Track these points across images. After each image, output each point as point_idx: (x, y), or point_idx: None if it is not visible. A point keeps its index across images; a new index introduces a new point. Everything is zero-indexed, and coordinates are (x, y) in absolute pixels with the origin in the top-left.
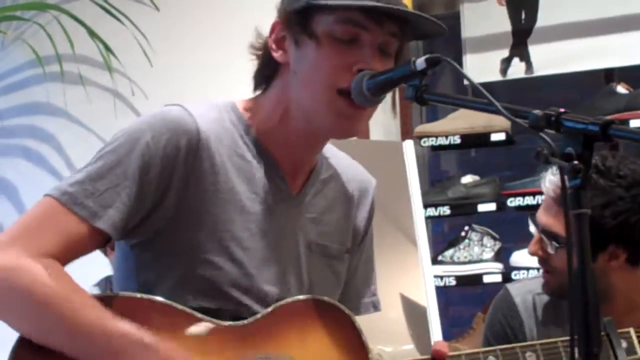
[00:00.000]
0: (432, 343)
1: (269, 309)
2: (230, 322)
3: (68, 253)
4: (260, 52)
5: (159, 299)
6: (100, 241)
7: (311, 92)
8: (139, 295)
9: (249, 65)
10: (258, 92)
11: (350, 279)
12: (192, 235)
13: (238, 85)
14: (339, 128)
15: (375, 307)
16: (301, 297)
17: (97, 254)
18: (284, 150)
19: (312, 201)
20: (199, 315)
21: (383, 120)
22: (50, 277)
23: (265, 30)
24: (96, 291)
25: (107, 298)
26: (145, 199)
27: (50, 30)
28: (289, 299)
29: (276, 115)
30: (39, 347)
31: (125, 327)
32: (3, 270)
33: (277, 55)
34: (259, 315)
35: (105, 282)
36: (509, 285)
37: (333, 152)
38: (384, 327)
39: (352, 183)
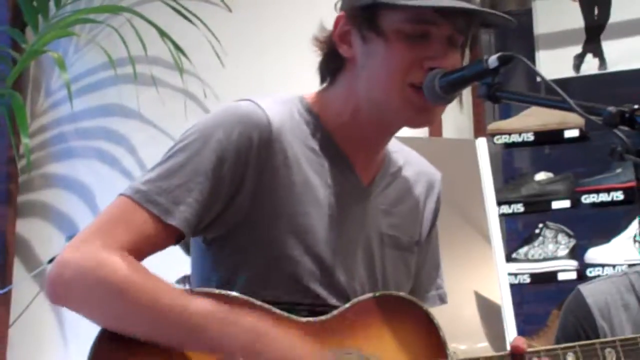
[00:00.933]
0: (507, 341)
1: (347, 305)
2: (309, 318)
3: (142, 249)
4: (324, 45)
5: (237, 294)
6: (174, 238)
7: (382, 87)
8: (216, 291)
9: (314, 66)
10: (325, 87)
11: (418, 271)
12: (268, 229)
13: (308, 84)
14: (413, 119)
15: (442, 299)
16: (378, 293)
17: (177, 253)
18: (355, 144)
19: (383, 193)
20: (277, 311)
21: (455, 118)
22: (125, 268)
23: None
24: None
25: (190, 291)
26: (219, 194)
27: (123, 33)
28: (367, 295)
29: (347, 110)
30: (119, 340)
31: (204, 304)
32: (81, 265)
33: (342, 49)
34: (336, 312)
35: (184, 280)
36: (581, 287)
37: (399, 147)
38: (458, 325)
39: (419, 176)
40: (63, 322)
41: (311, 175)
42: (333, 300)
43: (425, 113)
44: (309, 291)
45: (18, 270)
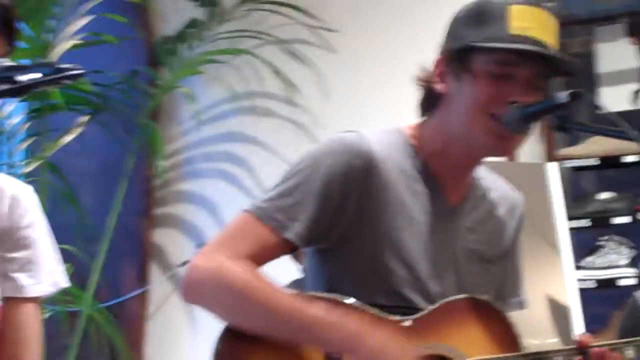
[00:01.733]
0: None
1: (434, 306)
2: (401, 317)
3: (260, 258)
4: (425, 84)
5: (338, 296)
6: (288, 249)
7: (468, 118)
8: (324, 294)
9: (413, 98)
10: (422, 119)
11: (502, 281)
12: (368, 243)
13: (404, 114)
14: (493, 146)
15: (522, 306)
16: (461, 295)
17: (286, 261)
18: (446, 169)
19: (469, 213)
20: (374, 311)
21: (529, 145)
22: (247, 273)
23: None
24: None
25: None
26: (327, 213)
27: (243, 71)
28: (451, 298)
29: (439, 140)
30: (240, 334)
31: (314, 307)
32: (210, 271)
33: (439, 87)
34: (425, 312)
35: (293, 284)
36: (636, 293)
37: (486, 173)
38: (532, 324)
39: (502, 199)
40: (193, 317)
41: (406, 197)
42: (423, 305)
43: (504, 142)
44: (403, 296)
45: (154, 273)
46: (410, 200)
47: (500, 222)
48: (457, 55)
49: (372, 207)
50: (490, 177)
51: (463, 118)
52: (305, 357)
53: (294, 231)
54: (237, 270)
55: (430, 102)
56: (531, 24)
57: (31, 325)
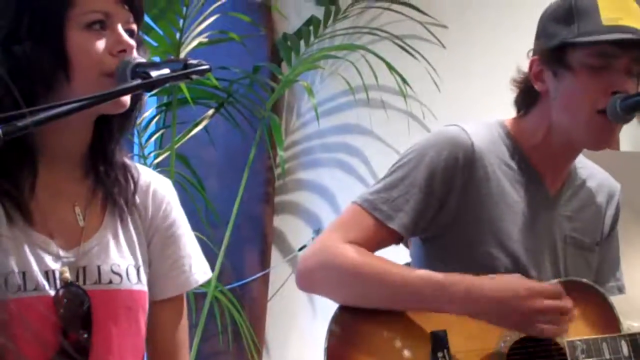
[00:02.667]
0: None
1: None
2: None
3: (369, 246)
4: (521, 84)
5: None
6: (394, 239)
7: (572, 114)
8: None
9: (511, 92)
10: (521, 113)
11: (600, 266)
12: (471, 231)
13: (507, 106)
14: (598, 142)
15: (620, 290)
16: (563, 279)
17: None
18: (545, 161)
19: (568, 202)
20: None
21: (632, 133)
22: (355, 252)
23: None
24: None
25: None
26: (430, 204)
27: (359, 66)
28: (555, 280)
29: (539, 133)
30: (353, 315)
31: (422, 273)
32: (320, 257)
33: (537, 85)
34: None
35: None
36: None
37: (584, 162)
38: (632, 306)
39: (600, 187)
40: (311, 298)
41: (507, 187)
42: None
43: (610, 135)
44: None
45: (275, 256)
46: (510, 190)
47: (598, 211)
48: (553, 54)
49: (474, 197)
50: (588, 165)
51: (567, 114)
52: (413, 332)
53: (399, 222)
54: (346, 250)
55: (528, 100)
56: (620, 13)
57: (183, 322)
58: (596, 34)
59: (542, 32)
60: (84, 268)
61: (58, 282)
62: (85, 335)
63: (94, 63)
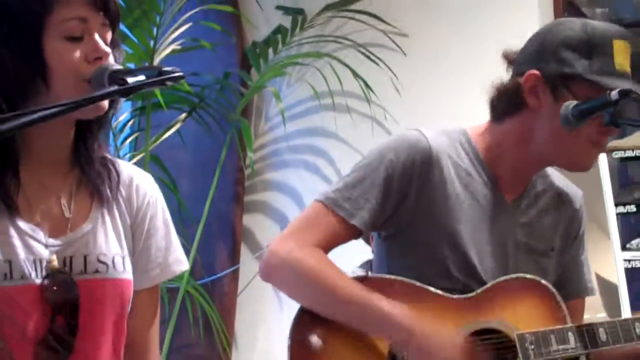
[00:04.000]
0: (622, 312)
1: (488, 285)
2: (458, 295)
3: (329, 243)
4: (506, 91)
5: (403, 278)
6: (354, 234)
7: (565, 139)
8: (387, 276)
9: (477, 97)
10: (489, 123)
11: (566, 272)
12: (426, 232)
13: (468, 114)
14: (584, 167)
15: (590, 292)
16: (514, 275)
17: (362, 244)
18: (507, 171)
19: (526, 210)
20: (435, 290)
21: None
22: (316, 262)
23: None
24: (360, 272)
25: (365, 278)
26: (389, 203)
27: (325, 72)
28: (502, 278)
29: (508, 143)
30: (314, 315)
31: (368, 297)
32: (282, 258)
33: (530, 100)
34: (479, 290)
35: (365, 264)
36: None
37: (546, 170)
38: (586, 300)
39: (561, 197)
40: (278, 293)
41: (462, 192)
42: (476, 287)
43: (593, 162)
44: (458, 280)
45: (244, 253)
46: (466, 195)
47: (557, 218)
48: (561, 78)
49: (430, 199)
50: (549, 172)
51: (561, 140)
52: (371, 344)
53: (360, 219)
54: (307, 259)
55: (508, 109)
56: (625, 59)
57: (157, 313)
58: (608, 76)
59: (552, 55)
60: (71, 258)
61: (44, 270)
62: (72, 321)
63: (71, 70)
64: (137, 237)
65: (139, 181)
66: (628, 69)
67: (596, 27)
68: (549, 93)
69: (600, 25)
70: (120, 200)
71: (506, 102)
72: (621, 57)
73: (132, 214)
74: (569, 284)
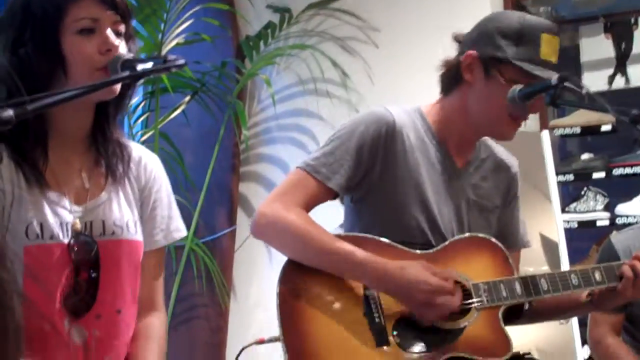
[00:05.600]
0: (562, 265)
1: (446, 243)
2: (422, 251)
3: (310, 203)
4: (451, 68)
5: (373, 236)
6: (331, 196)
7: (488, 110)
8: (360, 234)
9: (435, 85)
10: (439, 100)
11: (504, 227)
12: (393, 194)
13: (430, 97)
14: (502, 135)
15: (526, 245)
16: (467, 234)
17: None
18: (455, 139)
19: (473, 173)
20: (400, 246)
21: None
22: (299, 219)
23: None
24: (339, 231)
25: (342, 236)
26: (360, 168)
27: (308, 62)
28: (459, 236)
29: (454, 116)
30: (299, 264)
31: (350, 247)
32: (271, 217)
33: (467, 76)
34: (439, 247)
35: (341, 226)
36: (612, 237)
37: (487, 142)
38: (527, 255)
39: (501, 162)
40: (269, 250)
41: (422, 158)
42: (437, 241)
43: (511, 132)
44: (423, 234)
45: (240, 216)
46: (425, 162)
47: (497, 180)
48: (493, 60)
49: (395, 165)
50: (490, 144)
51: (484, 108)
52: (348, 284)
53: (336, 182)
54: (292, 217)
55: (451, 83)
56: (550, 50)
57: (160, 266)
58: (533, 63)
59: (489, 40)
60: (91, 222)
61: (70, 232)
62: (94, 275)
63: (85, 61)
64: (144, 207)
65: (146, 160)
66: (553, 59)
67: (530, 20)
68: (481, 71)
69: (534, 19)
70: (131, 176)
71: (450, 77)
72: (548, 48)
73: (140, 187)
74: (509, 238)
